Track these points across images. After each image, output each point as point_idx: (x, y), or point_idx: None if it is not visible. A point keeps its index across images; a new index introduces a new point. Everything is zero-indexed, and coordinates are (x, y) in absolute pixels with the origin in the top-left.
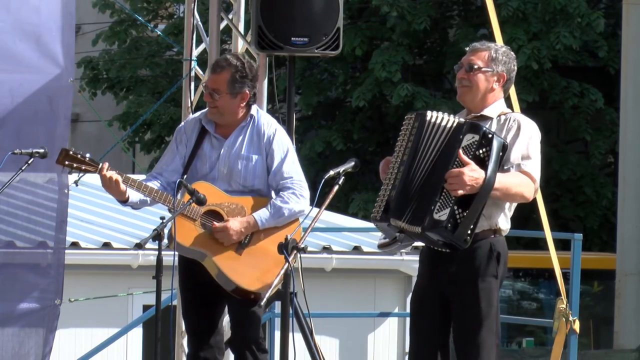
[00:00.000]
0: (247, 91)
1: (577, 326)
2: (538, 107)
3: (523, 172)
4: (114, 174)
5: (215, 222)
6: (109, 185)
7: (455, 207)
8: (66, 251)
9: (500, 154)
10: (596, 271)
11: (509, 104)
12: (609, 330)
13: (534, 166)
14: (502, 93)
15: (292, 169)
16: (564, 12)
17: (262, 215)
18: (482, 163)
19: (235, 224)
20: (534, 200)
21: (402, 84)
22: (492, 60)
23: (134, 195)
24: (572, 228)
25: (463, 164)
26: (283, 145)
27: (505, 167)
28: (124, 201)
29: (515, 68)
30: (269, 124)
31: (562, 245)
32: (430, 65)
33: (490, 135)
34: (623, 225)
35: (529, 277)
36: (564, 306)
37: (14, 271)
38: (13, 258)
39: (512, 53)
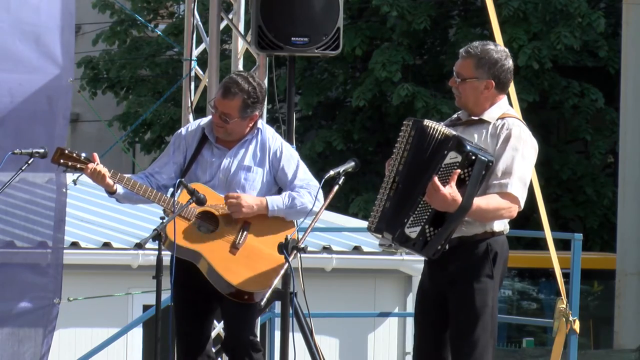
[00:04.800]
0: (257, 113)
1: (577, 326)
2: (538, 107)
3: (504, 195)
4: (101, 169)
5: (210, 224)
6: (96, 179)
7: (427, 226)
8: (66, 251)
9: (484, 172)
10: (596, 271)
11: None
12: (609, 330)
13: (517, 184)
14: (500, 94)
15: (307, 176)
16: (565, 12)
17: (276, 201)
18: (462, 183)
19: (248, 198)
20: (534, 200)
21: (402, 84)
22: (478, 67)
23: (120, 189)
24: (572, 228)
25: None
26: (293, 158)
27: (488, 182)
28: (111, 192)
29: (509, 65)
30: (274, 138)
31: (562, 245)
32: (430, 65)
33: (473, 157)
34: (623, 225)
35: (529, 277)
36: (564, 306)
37: (13, 271)
38: (12, 258)
39: (502, 49)
